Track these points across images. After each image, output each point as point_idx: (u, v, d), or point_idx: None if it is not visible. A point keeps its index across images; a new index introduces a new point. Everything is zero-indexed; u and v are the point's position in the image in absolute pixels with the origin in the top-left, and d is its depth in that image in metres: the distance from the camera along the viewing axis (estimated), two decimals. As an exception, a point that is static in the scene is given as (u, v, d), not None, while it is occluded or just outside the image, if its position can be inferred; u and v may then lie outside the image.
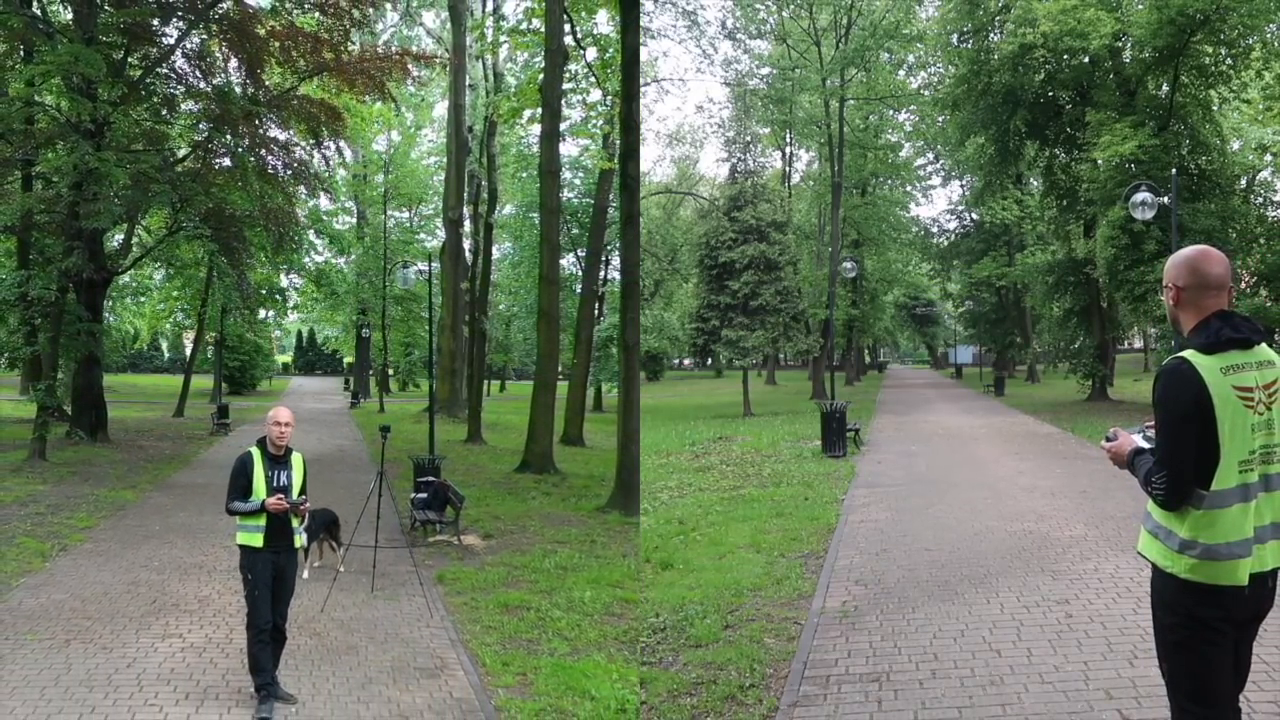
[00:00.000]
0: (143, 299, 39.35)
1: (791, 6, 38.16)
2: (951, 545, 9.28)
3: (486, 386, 43.70)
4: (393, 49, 29.22)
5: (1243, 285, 27.78)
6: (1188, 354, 3.01)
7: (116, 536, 11.04)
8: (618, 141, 22.43)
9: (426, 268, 21.86)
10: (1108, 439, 3.40)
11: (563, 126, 21.67)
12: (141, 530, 11.45)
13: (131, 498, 13.78)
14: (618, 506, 13.69)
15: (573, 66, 23.44)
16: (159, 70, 20.26)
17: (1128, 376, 46.32)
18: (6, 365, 24.80)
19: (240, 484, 5.91)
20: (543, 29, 20.07)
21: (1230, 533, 2.96)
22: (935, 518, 10.82)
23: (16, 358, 21.73)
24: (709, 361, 61.74)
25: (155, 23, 19.82)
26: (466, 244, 32.61)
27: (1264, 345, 3.09)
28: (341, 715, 5.84)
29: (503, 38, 26.61)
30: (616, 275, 42.01)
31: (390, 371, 49.05)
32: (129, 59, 19.54)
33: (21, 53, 19.74)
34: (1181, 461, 2.97)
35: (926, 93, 38.94)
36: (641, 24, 33.07)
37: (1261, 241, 27.12)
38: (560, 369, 24.06)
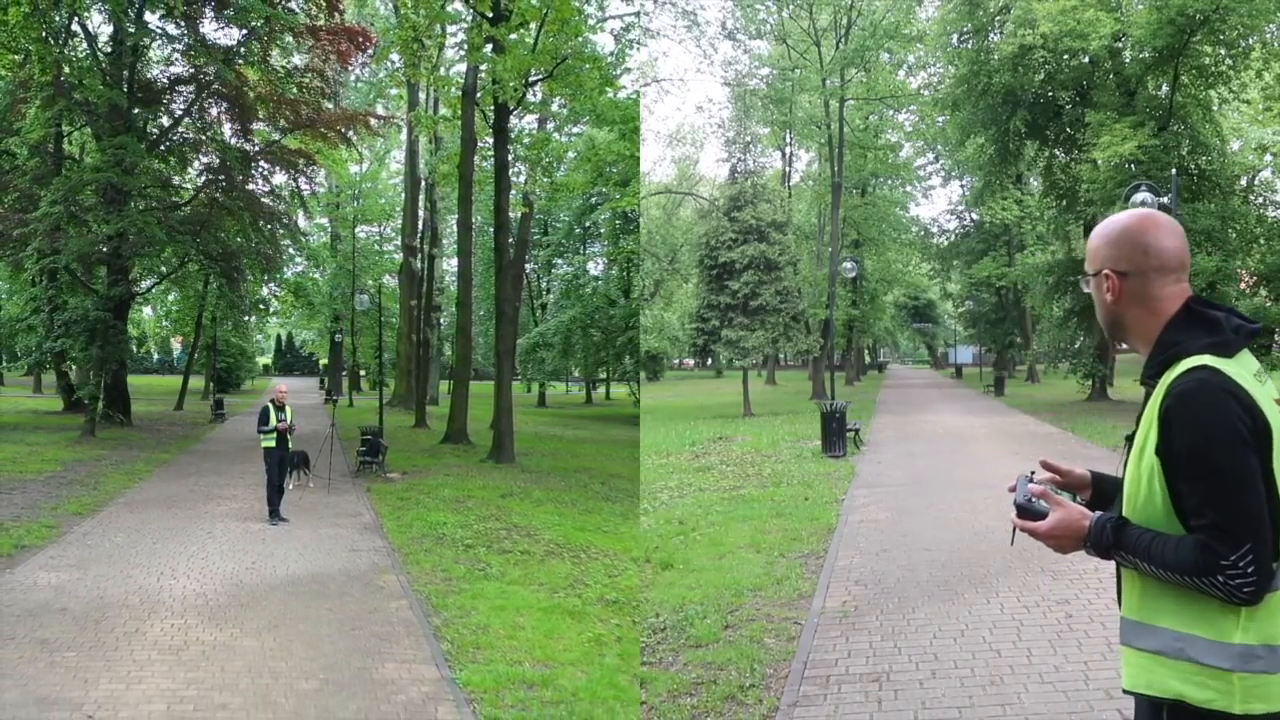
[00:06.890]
0: (135, 306, 41.57)
1: (791, 7, 38.10)
2: (951, 545, 9.28)
3: (448, 385, 47.44)
4: (363, 87, 36.70)
5: (1242, 285, 27.77)
6: (1206, 360, 2.04)
7: (169, 474, 16.56)
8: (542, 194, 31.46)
9: (379, 294, 28.13)
10: (1026, 510, 2.25)
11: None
12: (184, 471, 17.07)
13: (169, 457, 19.07)
14: (493, 458, 19.50)
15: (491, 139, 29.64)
16: (170, 133, 24.97)
17: (1128, 376, 46.30)
18: (29, 369, 31.68)
19: (264, 418, 12.31)
20: (460, 121, 24.89)
21: None
22: (935, 518, 10.82)
23: (45, 361, 27.38)
24: (709, 361, 61.76)
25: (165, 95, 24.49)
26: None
27: None
28: (309, 526, 11.98)
29: (436, 124, 32.14)
30: (551, 292, 52.99)
31: (362, 373, 53.16)
32: (147, 125, 24.19)
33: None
34: (1261, 516, 1.95)
35: (926, 93, 38.90)
36: (641, 25, 33.70)
37: (1261, 241, 27.10)
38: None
